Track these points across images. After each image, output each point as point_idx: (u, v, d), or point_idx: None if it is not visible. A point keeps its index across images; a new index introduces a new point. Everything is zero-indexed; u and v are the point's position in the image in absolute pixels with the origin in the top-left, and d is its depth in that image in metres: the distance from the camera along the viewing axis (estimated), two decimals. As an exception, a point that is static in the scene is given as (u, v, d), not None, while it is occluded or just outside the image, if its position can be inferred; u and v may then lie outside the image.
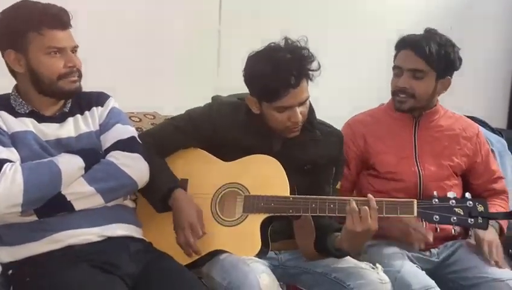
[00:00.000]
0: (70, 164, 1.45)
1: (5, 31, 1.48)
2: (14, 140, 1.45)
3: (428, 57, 1.78)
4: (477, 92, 3.09)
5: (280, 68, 1.52)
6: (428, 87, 1.83)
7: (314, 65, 1.56)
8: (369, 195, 1.50)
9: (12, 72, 1.53)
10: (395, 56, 1.88)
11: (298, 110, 1.57)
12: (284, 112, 1.57)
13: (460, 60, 1.85)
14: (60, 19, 1.48)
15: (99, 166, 1.50)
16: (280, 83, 1.52)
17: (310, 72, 1.56)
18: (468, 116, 2.11)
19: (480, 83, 3.11)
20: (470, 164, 1.92)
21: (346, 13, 2.75)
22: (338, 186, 1.75)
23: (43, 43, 1.46)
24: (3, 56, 1.50)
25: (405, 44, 1.83)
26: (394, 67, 1.87)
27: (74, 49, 1.52)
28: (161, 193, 1.60)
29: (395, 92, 1.87)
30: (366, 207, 1.46)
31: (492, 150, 2.27)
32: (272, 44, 1.58)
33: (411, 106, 1.85)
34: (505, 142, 2.47)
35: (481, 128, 2.09)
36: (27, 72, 1.49)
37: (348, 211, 1.48)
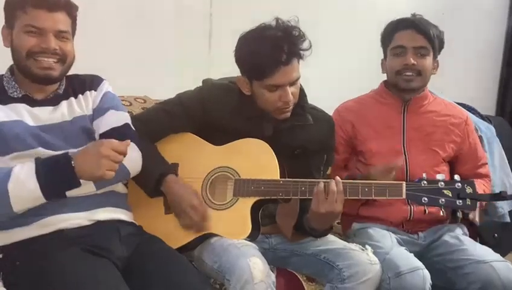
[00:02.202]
0: (21, 188, 1.34)
1: (4, 8, 1.49)
2: (1, 131, 1.43)
3: (430, 36, 1.86)
4: (466, 79, 3.11)
5: (271, 45, 1.53)
6: (430, 65, 1.90)
7: (305, 44, 1.56)
8: (337, 177, 1.51)
9: None
10: (393, 38, 1.90)
11: (289, 90, 1.57)
12: (275, 91, 1.57)
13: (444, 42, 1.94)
14: (47, 0, 1.45)
15: None
16: (271, 59, 1.53)
17: (301, 52, 1.56)
18: (457, 103, 2.13)
19: (469, 70, 3.13)
20: (458, 150, 1.94)
21: (337, -1, 2.75)
22: (329, 172, 1.76)
23: (24, 21, 1.45)
24: None
25: (406, 24, 1.89)
26: (395, 48, 1.90)
27: (60, 34, 1.48)
28: (153, 179, 1.60)
29: (399, 71, 1.89)
30: (334, 189, 1.48)
31: (481, 137, 2.30)
32: (263, 24, 1.58)
33: (418, 84, 1.90)
34: (493, 128, 2.49)
35: (470, 115, 2.11)
36: (11, 48, 1.49)
37: (315, 193, 1.50)
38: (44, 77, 1.47)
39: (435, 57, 1.91)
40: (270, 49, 1.52)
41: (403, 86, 1.90)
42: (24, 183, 1.35)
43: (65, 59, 1.49)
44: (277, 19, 1.57)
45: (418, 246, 1.85)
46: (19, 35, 1.46)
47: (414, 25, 1.87)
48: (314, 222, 1.56)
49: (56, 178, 1.37)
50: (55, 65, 1.47)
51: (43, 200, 1.37)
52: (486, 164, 2.03)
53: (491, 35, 3.26)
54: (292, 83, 1.58)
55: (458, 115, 1.98)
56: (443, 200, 1.47)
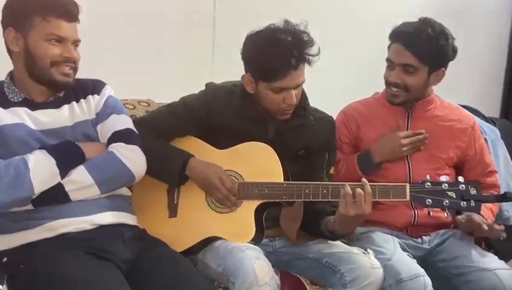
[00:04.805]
0: (41, 165, 1.41)
1: (11, 10, 1.49)
2: (3, 134, 1.44)
3: (420, 54, 1.77)
4: (470, 81, 3.10)
5: (282, 50, 1.54)
6: (421, 81, 1.82)
7: (313, 50, 1.57)
8: (364, 179, 1.51)
9: (9, 51, 1.52)
10: (389, 47, 1.86)
11: (293, 92, 1.58)
12: (280, 93, 1.58)
13: (455, 50, 1.83)
14: (69, 11, 1.49)
15: (100, 155, 1.50)
16: (281, 64, 1.54)
17: (310, 57, 1.57)
18: (461, 105, 2.11)
19: (473, 72, 3.12)
20: (463, 156, 1.92)
21: (342, 1, 2.74)
22: (331, 171, 1.76)
23: (46, 29, 1.46)
24: (3, 33, 1.50)
25: (396, 37, 1.81)
26: (387, 60, 1.86)
27: (75, 43, 1.52)
28: (177, 166, 1.61)
29: (387, 83, 1.87)
30: (361, 191, 1.47)
31: (485, 139, 2.28)
32: (272, 25, 1.59)
33: (404, 100, 1.85)
34: (497, 131, 2.48)
35: (476, 119, 2.09)
36: (23, 53, 1.49)
37: (342, 195, 1.49)
38: (65, 83, 1.51)
39: (432, 71, 1.81)
40: (280, 54, 1.53)
41: (388, 100, 1.87)
42: (43, 161, 1.41)
43: (76, 67, 1.53)
44: (286, 21, 1.58)
45: (422, 250, 1.84)
46: (39, 43, 1.47)
47: (404, 40, 1.77)
48: (340, 225, 1.55)
49: (65, 153, 1.46)
50: (71, 72, 1.52)
51: (58, 178, 1.42)
52: (496, 172, 2.00)
53: (495, 36, 3.25)
54: (297, 86, 1.59)
55: (465, 120, 1.95)
56: (447, 201, 1.46)
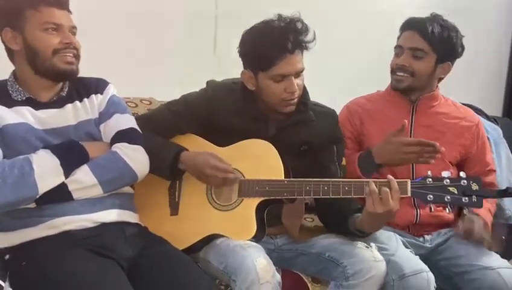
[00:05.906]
0: (45, 165, 1.41)
1: (2, 10, 1.49)
2: (6, 133, 1.45)
3: (431, 38, 1.79)
4: (473, 80, 3.09)
5: (277, 34, 1.55)
6: (428, 68, 1.83)
7: (309, 36, 1.57)
8: (389, 176, 1.48)
9: (10, 52, 1.52)
10: (398, 37, 1.88)
11: (294, 81, 1.58)
12: (281, 82, 1.58)
13: (463, 47, 1.85)
14: None
15: (104, 155, 1.51)
16: (277, 47, 1.54)
17: (305, 44, 1.57)
18: (464, 104, 2.11)
19: (476, 71, 3.11)
20: (465, 154, 1.92)
21: (342, 0, 2.75)
22: (343, 162, 1.77)
23: (40, 20, 1.47)
24: (0, 35, 1.50)
25: (409, 25, 1.85)
26: (396, 47, 1.88)
27: (72, 30, 1.52)
28: (169, 159, 1.61)
29: (393, 71, 1.87)
30: (387, 188, 1.45)
31: (488, 138, 2.28)
32: (266, 19, 1.60)
33: (409, 85, 1.85)
34: (500, 129, 2.48)
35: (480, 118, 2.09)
36: (23, 49, 1.49)
37: (368, 193, 1.47)
38: (70, 71, 1.51)
39: (439, 62, 1.83)
40: (276, 38, 1.54)
41: (393, 86, 1.88)
42: (47, 161, 1.42)
43: (78, 54, 1.53)
44: (279, 14, 1.59)
45: (424, 249, 1.83)
46: (37, 35, 1.47)
47: (417, 26, 1.82)
48: (369, 224, 1.53)
49: (69, 152, 1.46)
50: (74, 60, 1.51)
51: (62, 177, 1.43)
52: (495, 171, 1.99)
53: (497, 35, 3.25)
54: (297, 75, 1.59)
55: (470, 118, 1.95)
56: (448, 197, 1.45)
